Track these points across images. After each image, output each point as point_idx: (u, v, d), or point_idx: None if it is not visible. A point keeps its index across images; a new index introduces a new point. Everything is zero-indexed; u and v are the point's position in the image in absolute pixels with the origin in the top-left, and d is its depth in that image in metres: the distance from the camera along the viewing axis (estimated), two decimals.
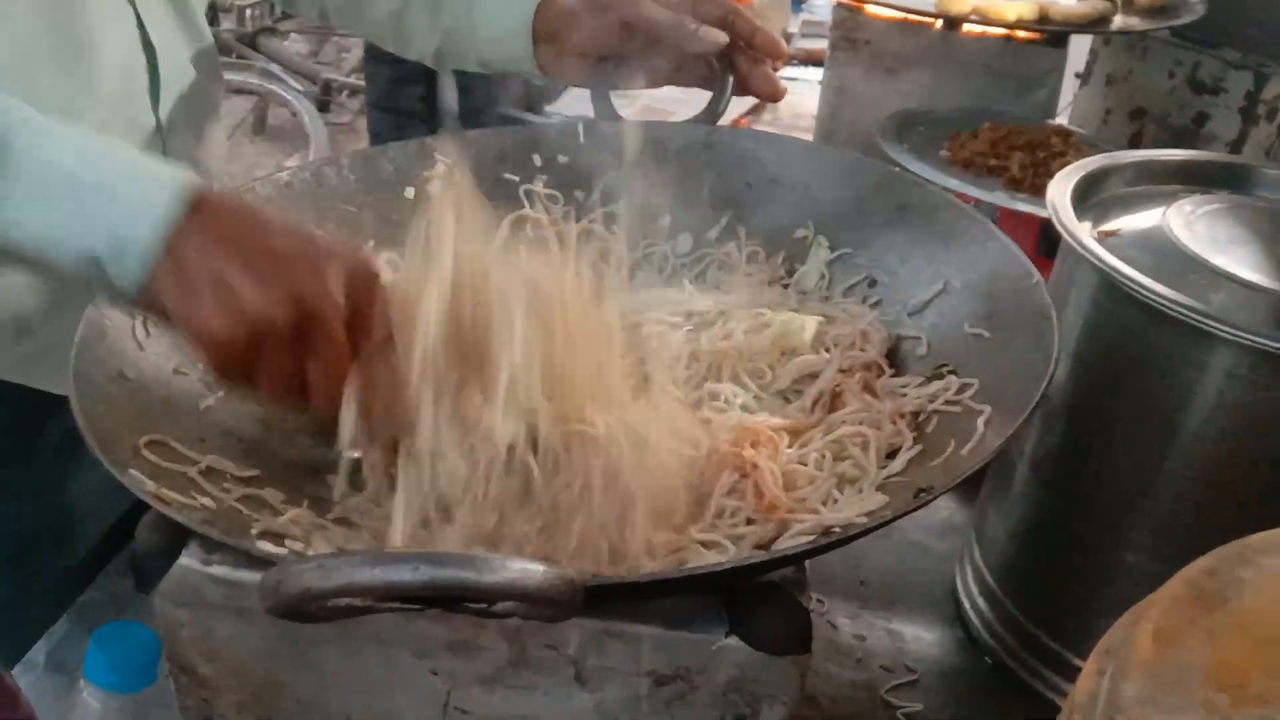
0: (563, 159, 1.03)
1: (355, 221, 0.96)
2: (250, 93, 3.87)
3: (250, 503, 0.70)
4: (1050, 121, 1.79)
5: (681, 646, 0.65)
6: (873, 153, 1.41)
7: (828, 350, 0.84)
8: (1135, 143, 1.88)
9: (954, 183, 1.40)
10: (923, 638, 1.02)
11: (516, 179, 1.02)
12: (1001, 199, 1.41)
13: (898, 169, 0.93)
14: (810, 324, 0.83)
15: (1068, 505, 0.93)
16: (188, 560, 0.66)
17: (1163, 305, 0.79)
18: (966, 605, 1.04)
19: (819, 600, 1.06)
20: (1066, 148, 1.56)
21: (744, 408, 0.79)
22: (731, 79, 1.03)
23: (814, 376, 0.81)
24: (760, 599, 0.66)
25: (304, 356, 0.64)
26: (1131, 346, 0.84)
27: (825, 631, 1.04)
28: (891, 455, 0.74)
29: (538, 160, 1.02)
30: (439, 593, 0.43)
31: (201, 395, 0.78)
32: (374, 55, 2.56)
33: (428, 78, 2.44)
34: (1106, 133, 1.89)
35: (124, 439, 0.67)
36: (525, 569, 0.45)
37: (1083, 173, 0.97)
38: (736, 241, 0.98)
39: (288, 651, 0.69)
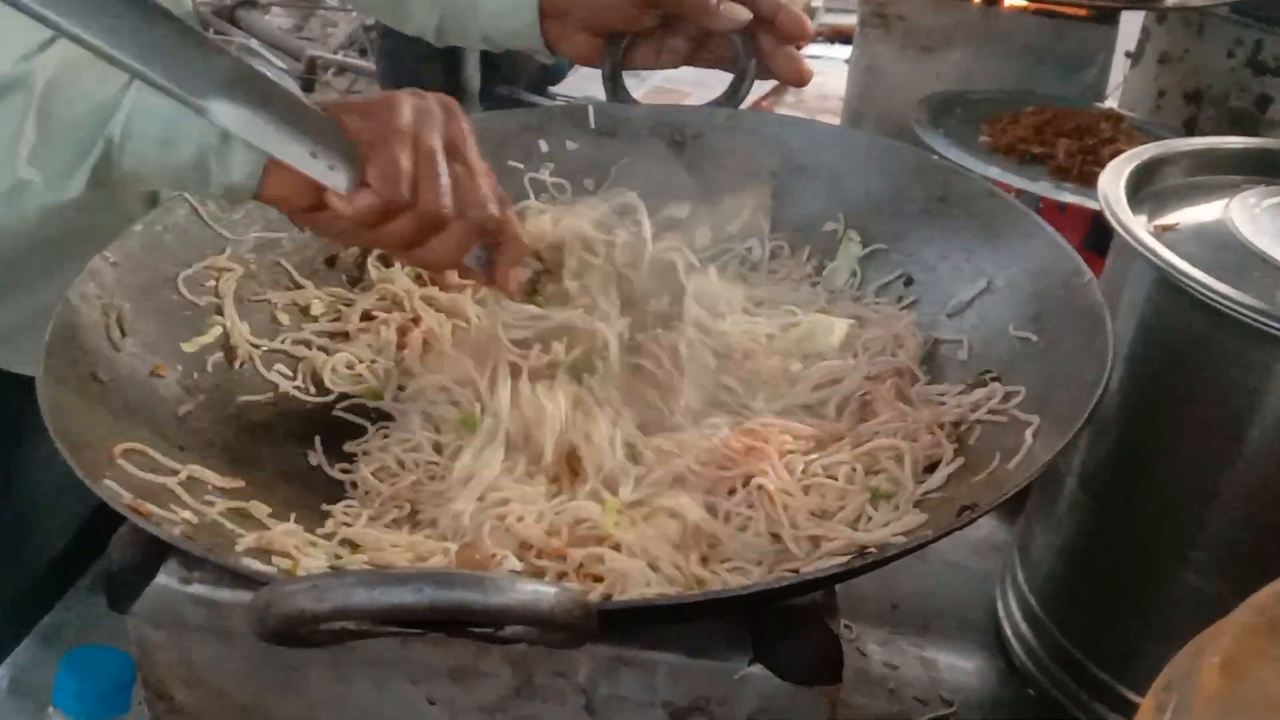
0: (571, 145, 1.03)
1: None
2: None
3: (235, 516, 0.70)
4: (1099, 105, 1.79)
5: (701, 675, 0.65)
6: (906, 138, 1.40)
7: (856, 356, 0.84)
8: (1191, 128, 1.88)
9: (994, 170, 1.39)
10: (960, 666, 1.02)
11: (521, 167, 1.02)
12: (1046, 189, 1.41)
13: (934, 156, 0.93)
14: (840, 326, 0.83)
15: (1120, 522, 0.92)
16: (165, 579, 0.66)
17: (1225, 305, 0.78)
18: (1008, 631, 1.03)
19: (847, 625, 1.06)
20: (1117, 133, 1.55)
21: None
22: (754, 60, 1.02)
23: (837, 382, 0.81)
24: (788, 625, 0.66)
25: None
26: (1191, 350, 0.84)
27: (854, 659, 1.03)
28: (930, 469, 0.74)
29: (544, 147, 1.02)
30: (443, 616, 0.43)
31: (180, 400, 0.78)
32: (391, 29, 2.55)
33: (447, 54, 2.43)
34: (1160, 117, 1.88)
35: (98, 446, 0.67)
36: (537, 590, 0.44)
37: (1137, 162, 0.96)
38: (760, 235, 0.98)
39: (273, 677, 0.69)
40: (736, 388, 0.82)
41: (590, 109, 1.03)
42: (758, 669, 0.64)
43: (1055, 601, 0.98)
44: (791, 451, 0.74)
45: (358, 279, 0.95)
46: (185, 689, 0.71)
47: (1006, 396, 0.75)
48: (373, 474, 0.78)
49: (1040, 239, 0.81)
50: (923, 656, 1.03)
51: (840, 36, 2.34)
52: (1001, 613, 1.05)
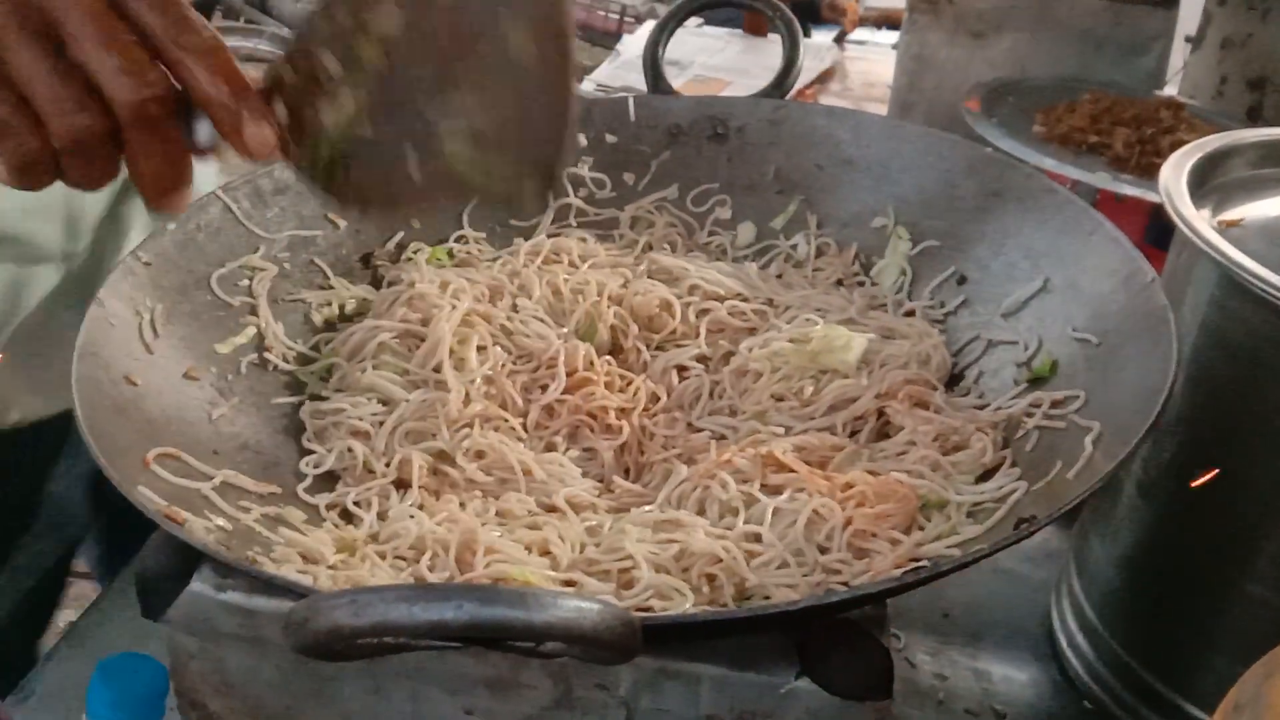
0: (610, 139, 1.03)
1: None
2: (260, 60, 3.88)
3: (269, 522, 0.70)
4: (1159, 93, 1.77)
5: (746, 689, 0.65)
6: (956, 128, 1.38)
7: (872, 373, 0.84)
8: (1255, 116, 1.85)
9: (1049, 162, 1.38)
10: (1013, 678, 1.01)
11: None
12: (1104, 180, 1.39)
13: (988, 149, 0.92)
14: (858, 342, 0.82)
15: (1182, 530, 0.91)
16: (199, 586, 0.66)
17: None
18: (1063, 641, 1.02)
19: (895, 635, 1.05)
20: (1178, 122, 1.53)
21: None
22: (801, 50, 1.02)
23: (854, 402, 0.81)
24: (836, 638, 0.65)
25: None
26: (1257, 351, 0.82)
27: (902, 670, 1.02)
28: (985, 477, 0.73)
29: (582, 140, 1.02)
30: (484, 633, 0.43)
31: (214, 403, 0.78)
32: None
33: None
34: (1222, 104, 1.86)
35: (132, 452, 0.67)
36: (580, 608, 0.44)
37: (1200, 154, 0.95)
38: (805, 232, 0.98)
39: (307, 687, 0.70)
40: (746, 410, 0.82)
41: (630, 101, 1.03)
42: (805, 683, 0.64)
43: (1113, 612, 0.97)
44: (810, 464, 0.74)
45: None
46: (218, 697, 0.71)
47: (1065, 401, 0.74)
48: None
49: (1101, 236, 0.80)
50: (974, 667, 1.02)
51: (888, 22, 2.33)
52: (1056, 623, 1.04)
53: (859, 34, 2.44)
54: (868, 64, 2.25)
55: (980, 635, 1.06)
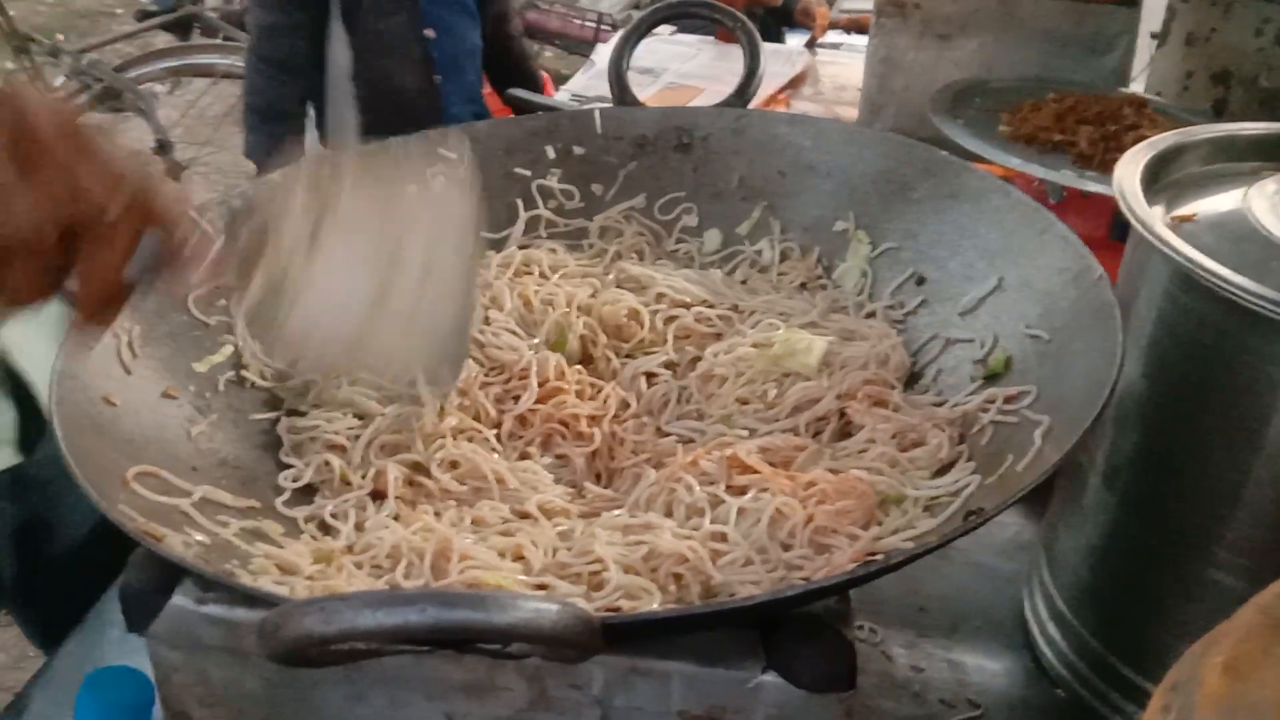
0: (578, 150, 1.04)
1: None
2: (240, 77, 3.89)
3: (248, 535, 0.72)
4: (1124, 90, 1.79)
5: (715, 684, 0.66)
6: (924, 129, 1.41)
7: (833, 375, 0.86)
8: (1220, 109, 1.87)
9: (1015, 160, 1.39)
10: (987, 668, 1.02)
11: (528, 174, 1.04)
12: (1069, 178, 1.40)
13: (945, 151, 0.94)
14: (818, 345, 0.84)
15: (1145, 519, 0.92)
16: (181, 599, 0.68)
17: (1243, 298, 0.78)
18: (1036, 631, 1.04)
19: (872, 629, 1.07)
20: (1141, 119, 1.55)
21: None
22: (762, 59, 1.04)
23: (816, 403, 0.82)
24: (801, 632, 0.67)
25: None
26: (1211, 344, 0.84)
27: (879, 664, 1.04)
28: (943, 471, 0.75)
29: (551, 152, 1.04)
30: (447, 635, 0.45)
31: (192, 420, 0.80)
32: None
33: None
34: (1188, 99, 1.88)
35: (112, 471, 0.69)
36: (539, 609, 0.46)
37: (1154, 151, 0.97)
38: (770, 237, 1.00)
39: (289, 696, 0.71)
40: (713, 414, 0.84)
41: (596, 113, 1.04)
42: (771, 677, 0.66)
43: (1082, 601, 0.99)
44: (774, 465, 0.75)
45: None
46: (203, 708, 0.73)
47: (1018, 396, 0.76)
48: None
49: (1053, 235, 0.82)
50: (949, 659, 1.04)
51: (858, 27, 2.35)
52: (1029, 613, 1.06)
53: (830, 38, 2.47)
54: (839, 68, 2.27)
55: (955, 627, 1.07)
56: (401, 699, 0.70)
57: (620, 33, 1.14)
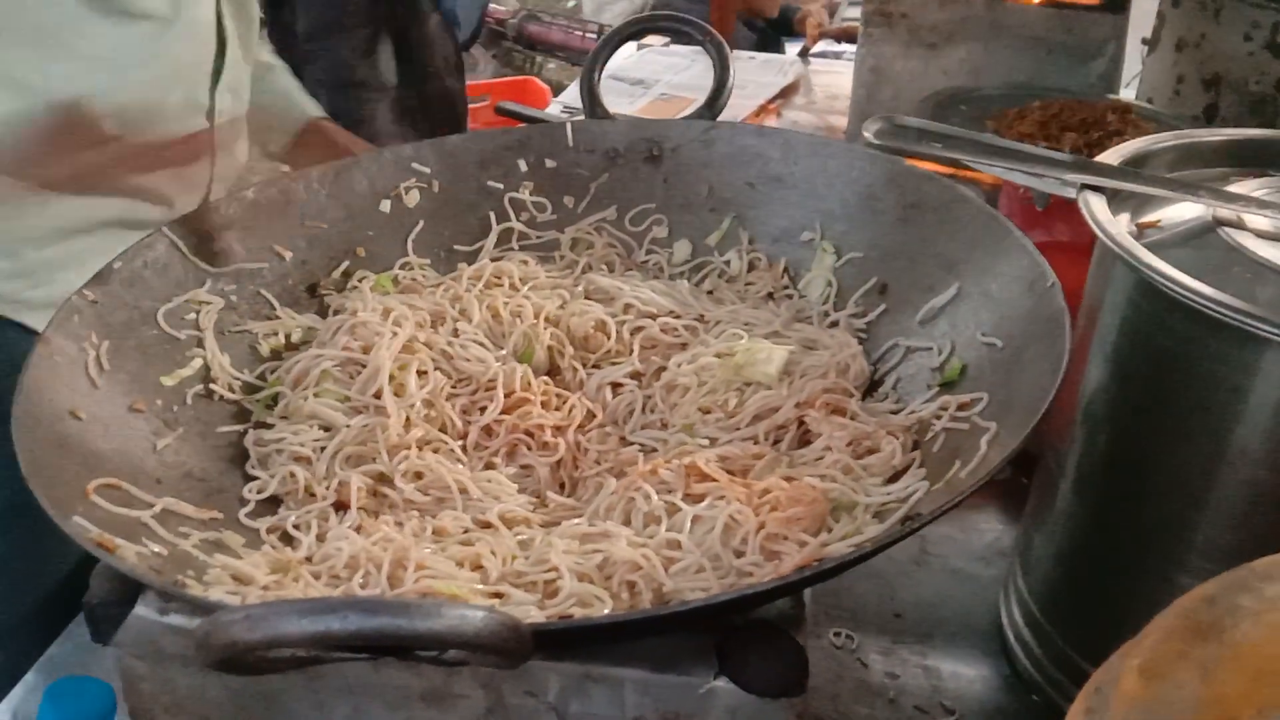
0: (550, 163, 1.05)
1: (326, 240, 0.99)
2: None
3: (208, 547, 0.73)
4: (1112, 96, 1.79)
5: (667, 690, 0.67)
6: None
7: (793, 383, 0.87)
8: (1211, 114, 1.87)
9: (998, 169, 1.40)
10: (963, 674, 1.03)
11: (501, 187, 1.05)
12: (1053, 185, 1.41)
13: (907, 161, 0.94)
14: (779, 354, 0.85)
15: (1114, 526, 0.93)
16: (143, 610, 0.69)
17: (1202, 305, 0.78)
18: (1011, 637, 1.04)
19: (848, 636, 1.08)
20: (1124, 125, 1.56)
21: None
22: (732, 72, 1.05)
23: (776, 411, 0.83)
24: (753, 638, 0.68)
25: None
26: (1173, 350, 0.84)
27: (855, 670, 1.05)
28: (897, 478, 0.76)
29: (523, 165, 1.05)
30: (371, 642, 0.46)
31: (159, 433, 0.81)
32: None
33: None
34: (1179, 104, 1.88)
35: (72, 483, 0.70)
36: (463, 615, 0.47)
37: (1119, 158, 0.97)
38: (738, 248, 1.01)
39: (255, 704, 0.72)
40: (675, 423, 0.85)
41: (568, 126, 1.05)
42: (723, 682, 0.67)
43: (1054, 607, 0.99)
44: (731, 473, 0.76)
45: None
46: (169, 717, 0.74)
47: (971, 403, 0.77)
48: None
49: (1010, 243, 0.83)
50: (925, 665, 1.05)
51: (848, 36, 2.36)
52: (1004, 619, 1.06)
53: (822, 46, 2.48)
54: (832, 77, 2.28)
55: (931, 634, 1.08)
56: (364, 707, 0.71)
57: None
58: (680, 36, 1.15)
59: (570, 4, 5.22)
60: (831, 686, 1.04)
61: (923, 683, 1.03)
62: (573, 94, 2.17)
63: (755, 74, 2.22)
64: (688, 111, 2.08)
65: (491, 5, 2.54)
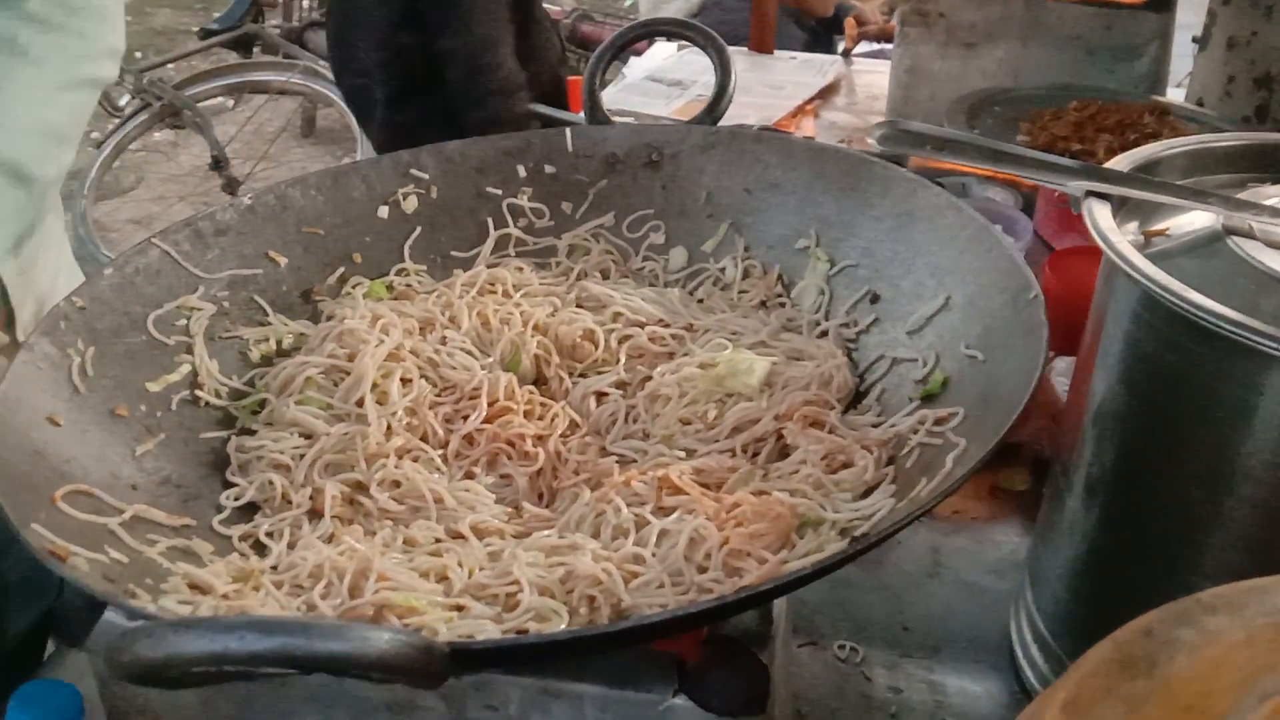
0: (549, 169, 1.05)
1: (322, 245, 0.99)
2: (296, 93, 3.98)
3: (175, 554, 0.73)
4: (1157, 97, 1.75)
5: (626, 707, 0.67)
6: None
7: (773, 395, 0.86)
8: (1262, 114, 1.83)
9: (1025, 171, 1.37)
10: (969, 690, 1.01)
11: (499, 193, 1.05)
12: (1079, 189, 1.38)
13: (902, 168, 0.93)
14: (760, 366, 0.84)
15: (1122, 541, 0.91)
16: (113, 615, 0.70)
17: (1202, 319, 0.76)
18: (1020, 654, 1.02)
19: (853, 648, 1.06)
20: (1162, 127, 1.53)
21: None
22: (732, 77, 1.04)
23: (756, 423, 0.82)
24: (715, 656, 0.67)
25: None
26: (1178, 365, 0.82)
27: (857, 684, 1.03)
28: (868, 494, 0.75)
29: (522, 171, 1.05)
30: (270, 663, 0.46)
31: (139, 439, 0.82)
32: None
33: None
34: (1230, 105, 1.84)
35: (41, 490, 0.71)
36: (365, 637, 0.47)
37: (1129, 163, 0.95)
38: (734, 255, 0.99)
39: (225, 711, 0.73)
40: (656, 433, 0.84)
41: (568, 132, 1.05)
42: (682, 700, 0.66)
43: (1061, 622, 0.97)
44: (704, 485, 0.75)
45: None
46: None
47: (948, 418, 0.75)
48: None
49: (998, 253, 0.81)
50: (930, 680, 1.03)
51: (887, 36, 2.34)
52: (1014, 635, 1.04)
53: (863, 47, 2.45)
54: (875, 77, 2.26)
55: (939, 648, 1.06)
56: (331, 715, 0.72)
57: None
58: (684, 41, 1.13)
59: (627, 3, 5.23)
60: (832, 700, 1.02)
61: (926, 698, 1.02)
62: (608, 95, 2.16)
63: (794, 74, 2.20)
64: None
65: (547, 4, 2.55)
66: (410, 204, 1.03)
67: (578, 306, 0.96)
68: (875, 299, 0.91)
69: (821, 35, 3.14)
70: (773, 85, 2.15)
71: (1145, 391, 0.86)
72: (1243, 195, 0.91)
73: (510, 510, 0.82)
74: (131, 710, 0.75)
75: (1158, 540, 0.88)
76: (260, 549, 0.78)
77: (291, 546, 0.76)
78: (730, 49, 2.44)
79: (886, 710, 1.01)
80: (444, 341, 0.92)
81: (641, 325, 0.93)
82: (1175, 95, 1.89)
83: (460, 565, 0.73)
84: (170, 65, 4.53)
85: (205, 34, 4.18)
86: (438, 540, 0.77)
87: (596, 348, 0.91)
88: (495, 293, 0.97)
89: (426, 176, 1.03)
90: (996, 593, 1.12)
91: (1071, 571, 0.96)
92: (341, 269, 1.00)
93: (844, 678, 1.05)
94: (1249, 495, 0.81)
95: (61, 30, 1.11)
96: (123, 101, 3.80)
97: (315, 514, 0.80)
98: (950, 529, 1.22)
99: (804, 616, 1.10)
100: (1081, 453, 0.93)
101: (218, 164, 3.77)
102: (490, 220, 1.04)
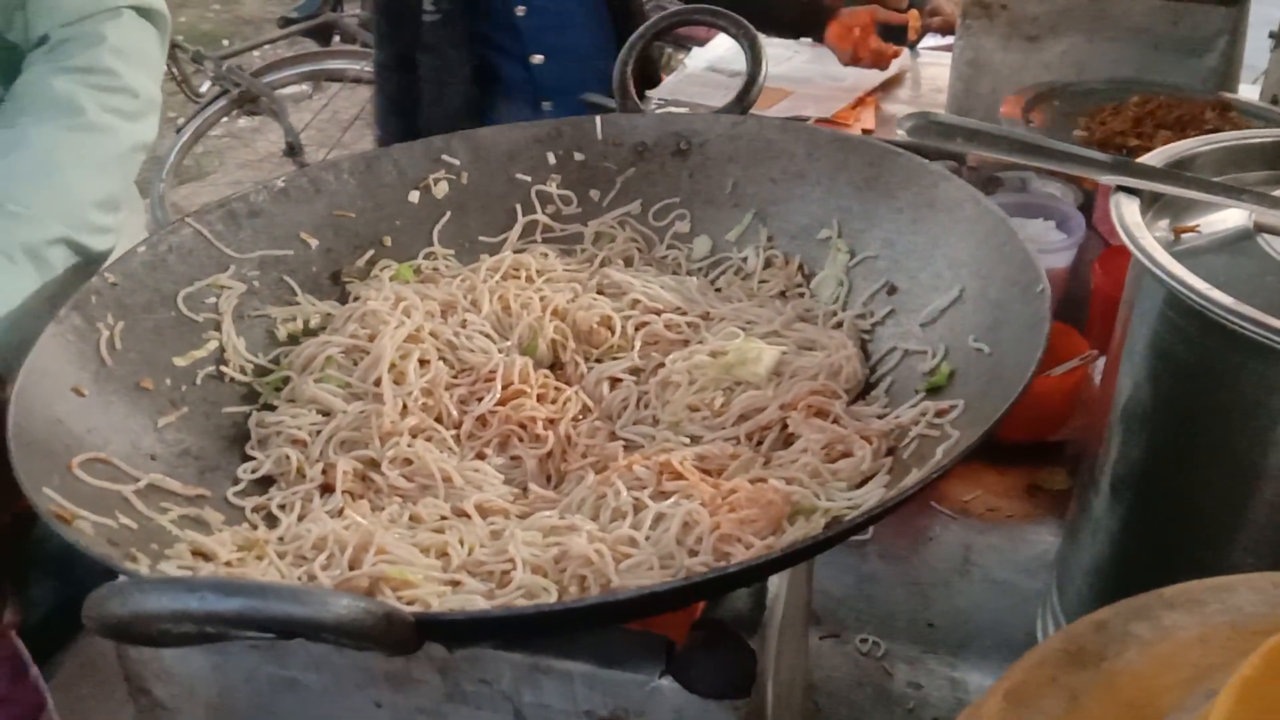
0: (578, 156, 1.06)
1: (353, 228, 1.02)
2: (371, 82, 4.01)
3: (186, 522, 0.76)
4: (1226, 93, 1.71)
5: (614, 686, 0.68)
6: None
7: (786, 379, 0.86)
8: None
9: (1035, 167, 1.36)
10: (989, 688, 1.00)
11: (529, 179, 1.06)
12: (1113, 183, 1.36)
13: (924, 159, 0.92)
14: (769, 355, 0.85)
15: (1146, 541, 0.90)
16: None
17: (1233, 321, 0.75)
18: None
19: (875, 643, 1.06)
20: (1223, 123, 1.50)
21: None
22: (762, 67, 1.04)
23: (761, 411, 0.82)
24: (704, 638, 0.68)
25: None
26: (1203, 366, 0.81)
27: (877, 678, 1.04)
28: (864, 484, 0.75)
29: (551, 159, 1.06)
30: (229, 624, 0.47)
31: (162, 411, 0.85)
32: None
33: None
34: None
35: (58, 456, 0.74)
36: (326, 603, 0.48)
37: (1164, 159, 0.94)
38: (756, 244, 1.00)
39: (236, 678, 0.75)
40: (664, 419, 0.85)
41: (597, 120, 1.06)
42: (668, 681, 0.67)
43: None
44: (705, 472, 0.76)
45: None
46: (161, 684, 0.78)
47: (948, 410, 0.75)
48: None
49: (1011, 247, 0.81)
50: (952, 677, 1.03)
51: (950, 28, 2.31)
52: (1039, 634, 1.04)
53: (928, 40, 2.43)
54: (940, 69, 2.23)
55: (964, 645, 1.06)
56: (335, 684, 0.74)
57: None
58: (715, 28, 1.14)
59: None
60: (850, 692, 1.03)
61: (947, 695, 1.02)
62: (666, 86, 2.17)
63: (764, 71, 2.18)
64: (785, 103, 2.08)
65: None
66: (441, 189, 1.05)
67: (598, 293, 0.97)
68: (893, 290, 0.91)
69: (895, 27, 3.11)
70: (833, 77, 2.14)
71: (1170, 389, 0.85)
72: (1277, 193, 0.90)
73: (517, 491, 0.83)
74: (149, 675, 0.78)
75: (1181, 539, 0.87)
76: (272, 521, 0.80)
77: (302, 519, 0.79)
78: (794, 41, 2.44)
79: (905, 705, 1.01)
80: (464, 324, 0.94)
81: (658, 312, 0.94)
82: (1249, 92, 1.84)
83: (461, 543, 0.75)
84: (254, 52, 4.62)
85: (285, 22, 4.26)
86: (443, 518, 0.79)
87: (613, 334, 0.93)
88: (519, 278, 0.99)
89: (457, 162, 1.05)
90: (1026, 592, 1.12)
91: (1095, 570, 0.96)
92: (371, 252, 1.02)
93: (864, 671, 1.06)
94: (1272, 496, 0.80)
95: (115, 93, 1.13)
96: (204, 88, 3.89)
97: (327, 488, 0.82)
98: (984, 527, 1.21)
99: (827, 609, 1.10)
100: (1108, 450, 0.93)
101: (292, 150, 3.85)
102: (519, 206, 1.06)
